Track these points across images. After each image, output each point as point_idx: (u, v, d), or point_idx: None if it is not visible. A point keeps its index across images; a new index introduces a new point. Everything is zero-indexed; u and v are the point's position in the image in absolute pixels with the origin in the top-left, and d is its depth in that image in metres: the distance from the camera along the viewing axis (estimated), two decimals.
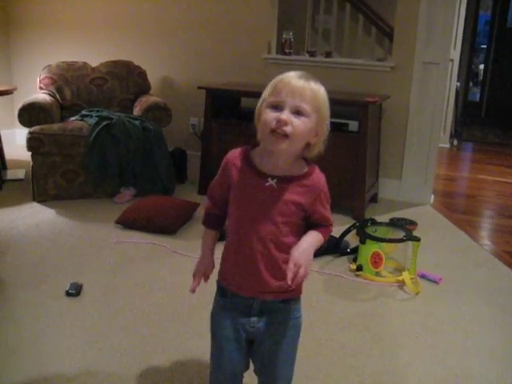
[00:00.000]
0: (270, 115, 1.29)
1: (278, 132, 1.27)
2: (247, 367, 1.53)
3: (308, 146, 1.36)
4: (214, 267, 1.52)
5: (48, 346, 2.10)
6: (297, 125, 1.27)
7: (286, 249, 1.35)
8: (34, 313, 2.34)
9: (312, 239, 1.38)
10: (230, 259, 1.42)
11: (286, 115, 1.27)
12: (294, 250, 1.32)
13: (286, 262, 1.32)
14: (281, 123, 1.26)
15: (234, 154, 1.40)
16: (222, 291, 1.47)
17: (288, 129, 1.27)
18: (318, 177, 1.40)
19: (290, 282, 1.28)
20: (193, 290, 1.49)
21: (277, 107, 1.29)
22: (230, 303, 1.44)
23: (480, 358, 2.16)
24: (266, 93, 1.34)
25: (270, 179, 1.34)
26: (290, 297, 1.44)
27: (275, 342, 1.45)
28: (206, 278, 1.51)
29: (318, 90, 1.32)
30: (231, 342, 1.46)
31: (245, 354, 1.49)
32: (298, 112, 1.28)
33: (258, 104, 1.35)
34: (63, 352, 2.07)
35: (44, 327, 2.23)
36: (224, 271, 1.45)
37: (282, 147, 1.29)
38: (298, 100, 1.28)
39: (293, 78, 1.30)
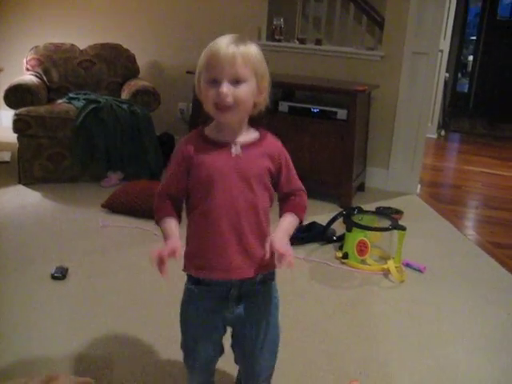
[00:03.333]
0: (211, 91, 1.29)
1: (221, 105, 1.29)
2: (222, 352, 1.52)
3: (254, 105, 1.37)
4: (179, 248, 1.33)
5: (33, 330, 2.09)
6: (237, 94, 1.28)
7: (266, 214, 1.38)
8: (20, 296, 2.33)
9: (286, 226, 1.38)
10: (204, 242, 1.36)
11: (225, 88, 1.27)
12: (275, 242, 1.29)
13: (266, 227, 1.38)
14: (221, 96, 1.27)
15: (187, 140, 1.38)
16: (194, 280, 1.41)
17: (229, 100, 1.28)
18: (274, 140, 1.42)
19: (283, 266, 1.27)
20: (166, 274, 1.31)
21: (215, 80, 1.29)
22: (205, 290, 1.40)
23: (463, 346, 2.19)
24: (200, 65, 1.32)
25: (233, 146, 1.34)
26: (270, 269, 1.41)
27: (257, 326, 1.43)
28: (174, 254, 1.29)
29: (249, 51, 1.30)
30: (207, 330, 1.44)
31: (220, 341, 1.48)
32: (236, 81, 1.28)
33: (196, 74, 1.35)
34: (49, 336, 2.06)
35: (29, 310, 2.22)
36: (195, 257, 1.39)
37: (229, 118, 1.32)
38: (233, 69, 1.27)
39: (221, 48, 1.28)
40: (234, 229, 1.34)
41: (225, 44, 1.28)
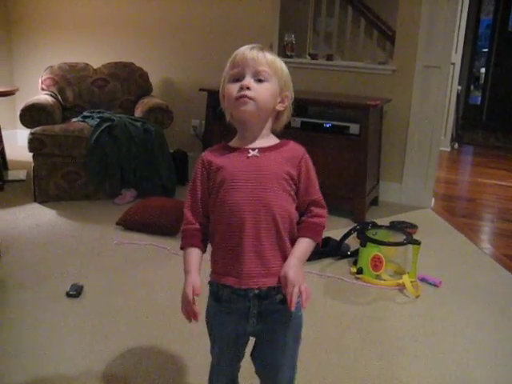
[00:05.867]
0: (233, 86, 1.33)
1: (243, 97, 1.31)
2: (243, 356, 1.50)
3: (277, 115, 1.40)
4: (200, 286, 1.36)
5: (48, 347, 2.10)
6: (259, 89, 1.32)
7: (286, 219, 1.34)
8: (35, 314, 2.34)
9: (300, 252, 1.35)
10: (219, 247, 1.37)
11: (246, 80, 1.31)
12: (288, 270, 1.29)
13: (290, 235, 1.36)
14: (243, 89, 1.31)
15: (209, 149, 1.43)
16: (215, 296, 1.39)
17: (251, 93, 1.31)
18: (297, 146, 1.40)
19: (293, 309, 1.28)
20: (196, 319, 1.35)
21: (238, 79, 1.33)
22: (225, 308, 1.39)
23: (480, 362, 2.16)
24: (225, 71, 1.37)
25: (251, 150, 1.35)
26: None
27: (276, 344, 1.41)
28: (196, 293, 1.35)
29: (272, 57, 1.36)
30: (231, 343, 1.44)
31: (243, 350, 1.48)
32: (258, 78, 1.32)
33: (221, 86, 1.39)
34: (64, 353, 2.07)
35: (44, 328, 2.23)
36: (213, 261, 1.39)
37: (250, 110, 1.32)
38: (256, 66, 1.32)
39: (246, 49, 1.35)
40: (249, 233, 1.32)
41: (250, 47, 1.35)
